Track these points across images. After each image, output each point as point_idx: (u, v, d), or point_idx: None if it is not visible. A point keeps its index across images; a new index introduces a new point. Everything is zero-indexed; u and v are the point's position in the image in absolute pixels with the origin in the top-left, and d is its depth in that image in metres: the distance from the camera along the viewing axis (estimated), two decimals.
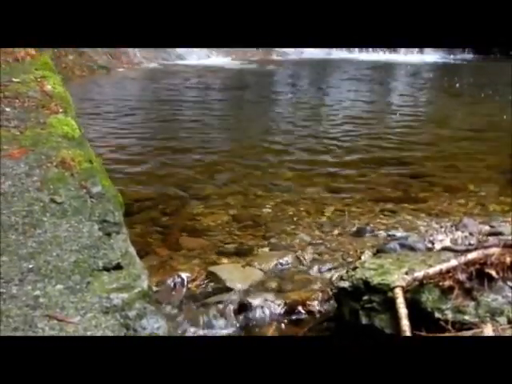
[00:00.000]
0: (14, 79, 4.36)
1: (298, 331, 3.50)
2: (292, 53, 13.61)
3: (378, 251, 4.14)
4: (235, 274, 3.92)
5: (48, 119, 3.80)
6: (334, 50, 14.02)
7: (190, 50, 12.54)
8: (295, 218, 4.97)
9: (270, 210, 5.11)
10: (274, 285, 3.86)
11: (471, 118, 8.77)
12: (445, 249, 3.50)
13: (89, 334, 2.26)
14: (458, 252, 3.18)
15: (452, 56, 14.42)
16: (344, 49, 14.01)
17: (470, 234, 4.59)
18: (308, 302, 3.68)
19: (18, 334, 2.20)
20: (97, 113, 8.30)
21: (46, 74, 4.55)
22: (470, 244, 3.85)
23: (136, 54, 11.57)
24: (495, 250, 2.99)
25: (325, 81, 11.89)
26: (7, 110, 3.86)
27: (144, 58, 11.60)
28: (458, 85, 11.53)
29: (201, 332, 3.49)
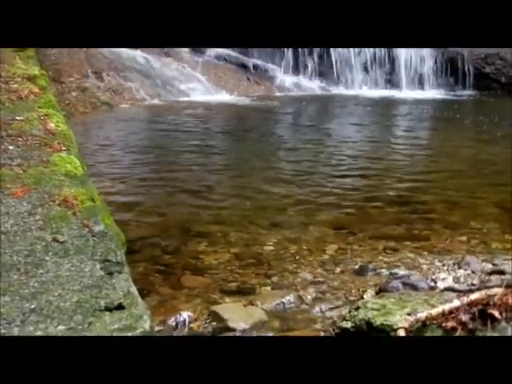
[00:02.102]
0: (17, 117, 4.38)
1: None
2: (293, 89, 13.69)
3: (381, 290, 4.14)
4: (237, 314, 3.90)
5: (51, 157, 3.81)
6: (336, 86, 14.09)
7: (193, 86, 12.61)
8: (297, 256, 4.96)
9: (272, 248, 5.10)
10: (276, 324, 3.85)
11: (473, 154, 8.78)
12: (447, 289, 3.50)
13: None
14: (460, 292, 3.18)
15: (453, 92, 14.49)
16: (344, 85, 14.09)
17: (473, 272, 4.58)
18: None
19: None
20: (99, 150, 8.32)
21: (49, 111, 4.58)
22: (472, 284, 3.85)
23: (139, 90, 11.64)
24: (498, 291, 2.99)
25: (326, 117, 11.95)
26: (10, 148, 3.87)
27: (147, 95, 11.67)
28: (459, 120, 11.58)
29: None
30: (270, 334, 3.62)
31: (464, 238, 5.44)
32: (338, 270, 4.74)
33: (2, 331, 2.33)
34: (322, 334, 3.55)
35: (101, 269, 2.82)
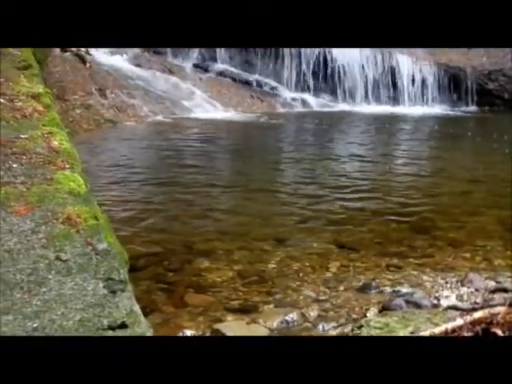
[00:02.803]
0: (21, 135, 4.39)
1: None
2: (297, 106, 13.72)
3: (384, 308, 4.13)
4: (240, 332, 3.90)
5: (55, 175, 3.82)
6: (339, 103, 14.11)
7: (196, 103, 12.64)
8: (300, 274, 4.96)
9: (274, 266, 5.10)
10: None
11: (476, 170, 8.77)
12: (451, 307, 3.49)
13: None
14: (463, 311, 3.17)
15: (456, 108, 14.51)
16: (347, 101, 14.12)
17: (476, 290, 4.58)
18: None
19: None
20: (102, 168, 8.33)
21: (53, 129, 4.59)
22: (475, 302, 3.84)
23: (142, 107, 11.67)
24: (501, 309, 2.99)
25: (329, 134, 11.96)
26: (14, 166, 3.88)
27: (150, 112, 11.70)
28: (462, 137, 11.60)
29: None
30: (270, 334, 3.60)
31: (467, 255, 5.44)
32: (341, 287, 4.74)
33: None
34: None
35: (104, 287, 2.82)
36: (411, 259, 5.30)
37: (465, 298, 4.42)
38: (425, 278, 4.92)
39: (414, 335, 2.74)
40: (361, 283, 4.81)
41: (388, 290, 4.68)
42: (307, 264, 5.15)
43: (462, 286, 4.70)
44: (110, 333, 2.53)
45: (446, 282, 4.81)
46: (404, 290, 4.64)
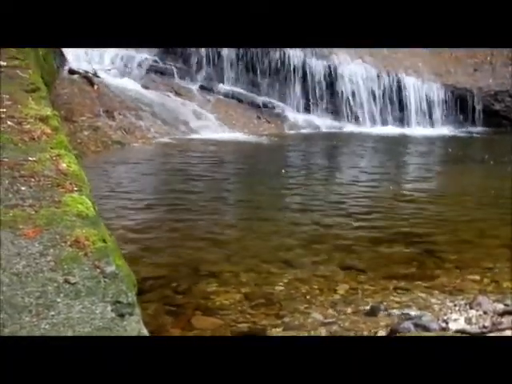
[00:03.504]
0: (30, 158, 4.41)
1: None
2: (304, 127, 13.73)
3: (392, 331, 4.11)
4: None
5: (63, 198, 3.83)
6: (345, 124, 14.12)
7: (203, 124, 12.67)
8: (308, 296, 4.94)
9: (282, 288, 5.09)
10: None
11: (484, 192, 8.75)
12: (459, 331, 3.47)
13: None
14: (472, 335, 3.16)
15: (463, 129, 14.51)
16: (354, 123, 14.13)
17: (485, 312, 4.56)
18: None
19: None
20: (111, 191, 8.34)
21: (61, 152, 4.60)
22: (484, 326, 3.83)
23: (150, 129, 11.70)
24: (510, 333, 2.97)
25: (336, 156, 11.98)
26: (23, 188, 3.89)
27: (157, 133, 11.73)
28: (469, 158, 11.59)
29: None
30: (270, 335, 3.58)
31: (475, 278, 5.42)
32: (349, 310, 4.72)
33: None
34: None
35: (112, 310, 2.81)
36: (419, 281, 5.29)
37: (473, 321, 4.40)
38: (433, 300, 4.91)
39: (414, 335, 2.72)
40: (369, 306, 4.79)
41: (396, 312, 4.66)
42: (315, 286, 5.14)
43: (471, 308, 4.68)
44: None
45: (455, 305, 4.79)
46: (412, 312, 4.62)
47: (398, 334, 2.90)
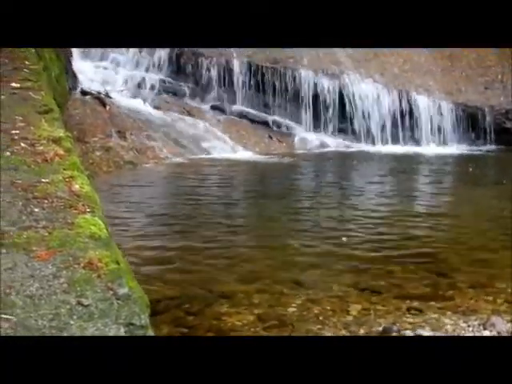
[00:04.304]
0: (43, 179, 4.43)
1: None
2: (315, 146, 13.73)
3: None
4: None
5: (76, 219, 3.84)
6: (357, 143, 14.12)
7: (215, 144, 12.71)
8: (321, 317, 4.93)
9: (295, 309, 5.07)
10: None
11: (497, 211, 8.71)
12: None
13: None
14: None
15: (474, 147, 14.48)
16: (365, 141, 14.13)
17: (498, 333, 4.53)
18: None
19: None
20: (123, 212, 8.35)
21: (74, 173, 4.62)
22: None
23: (162, 149, 11.74)
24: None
25: (347, 175, 11.98)
26: (36, 210, 3.91)
27: (170, 153, 11.77)
28: (482, 176, 11.56)
29: None
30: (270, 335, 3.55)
31: (489, 298, 5.39)
32: (361, 331, 4.70)
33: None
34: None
35: (125, 332, 2.81)
36: (432, 302, 5.26)
37: None
38: (446, 321, 4.88)
39: (414, 335, 2.71)
40: (381, 327, 4.77)
41: (409, 333, 4.63)
42: (328, 307, 5.12)
43: (484, 329, 4.66)
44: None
45: (468, 326, 4.76)
46: (425, 333, 4.60)
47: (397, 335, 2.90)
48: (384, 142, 14.25)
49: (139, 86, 13.54)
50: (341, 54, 14.29)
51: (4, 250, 3.29)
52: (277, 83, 13.88)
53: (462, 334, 4.56)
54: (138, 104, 13.16)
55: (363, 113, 14.14)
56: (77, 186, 4.44)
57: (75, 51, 13.11)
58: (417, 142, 14.41)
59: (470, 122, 14.62)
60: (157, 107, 13.29)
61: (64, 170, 4.69)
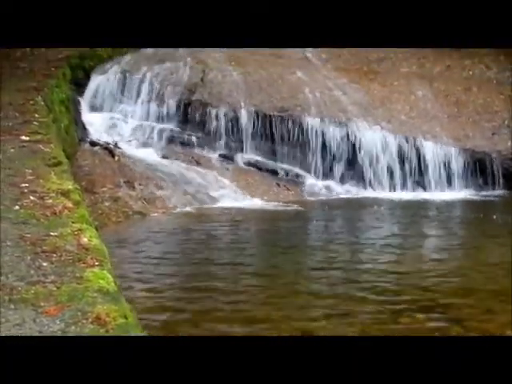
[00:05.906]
0: (51, 233, 4.46)
1: None
2: (323, 194, 13.75)
3: None
4: None
5: (84, 273, 3.85)
6: (365, 189, 14.15)
7: (223, 193, 12.75)
8: None
9: None
10: None
11: (509, 257, 8.65)
12: None
13: None
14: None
15: (482, 192, 14.47)
16: (373, 189, 14.15)
17: None
18: None
19: None
20: (132, 263, 8.36)
21: (82, 226, 4.65)
22: None
23: (170, 198, 11.79)
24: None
25: (357, 222, 11.97)
26: (44, 264, 3.93)
27: (178, 203, 11.81)
28: (490, 222, 11.52)
29: None
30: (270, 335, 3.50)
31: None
32: None
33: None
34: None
35: None
36: None
37: None
38: None
39: (414, 335, 2.69)
40: None
41: None
42: None
43: None
44: None
45: None
46: None
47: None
48: (392, 188, 14.27)
49: (148, 136, 13.67)
50: (348, 101, 14.42)
51: (12, 306, 3.30)
52: (284, 131, 13.98)
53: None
54: (146, 154, 13.27)
55: (371, 159, 14.19)
56: (85, 239, 4.46)
57: (85, 103, 13.28)
58: (425, 188, 14.42)
59: (478, 168, 14.64)
60: (165, 157, 13.39)
61: (72, 222, 4.72)
